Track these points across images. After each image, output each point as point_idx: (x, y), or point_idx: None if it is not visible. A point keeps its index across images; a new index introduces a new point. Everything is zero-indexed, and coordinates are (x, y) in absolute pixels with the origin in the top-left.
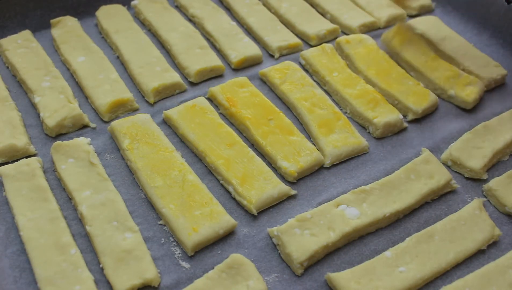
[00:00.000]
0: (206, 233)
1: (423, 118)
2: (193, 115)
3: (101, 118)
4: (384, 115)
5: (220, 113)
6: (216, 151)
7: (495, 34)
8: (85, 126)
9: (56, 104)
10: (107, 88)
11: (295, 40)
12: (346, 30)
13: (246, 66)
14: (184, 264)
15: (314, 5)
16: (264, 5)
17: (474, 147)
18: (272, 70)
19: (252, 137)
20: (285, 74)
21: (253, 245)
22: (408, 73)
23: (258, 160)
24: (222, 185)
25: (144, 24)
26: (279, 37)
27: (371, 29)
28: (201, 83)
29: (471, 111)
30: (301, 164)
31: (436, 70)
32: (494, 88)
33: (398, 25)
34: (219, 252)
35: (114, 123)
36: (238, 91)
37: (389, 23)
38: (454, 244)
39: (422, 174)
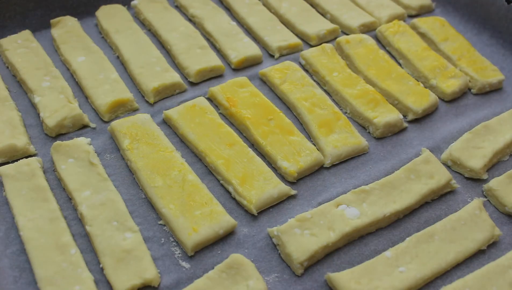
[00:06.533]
0: (206, 233)
1: (423, 118)
2: (193, 115)
3: (101, 118)
4: (384, 115)
5: (220, 113)
6: (216, 151)
7: (495, 34)
8: (85, 126)
9: (56, 104)
10: (107, 88)
11: (295, 40)
12: (346, 30)
13: (246, 66)
14: (184, 264)
15: (314, 5)
16: (264, 5)
17: (474, 147)
18: (272, 70)
19: (252, 137)
20: (285, 74)
21: (253, 245)
22: (397, 61)
23: (258, 160)
24: (222, 185)
25: (144, 24)
26: (279, 37)
27: (371, 29)
28: (201, 83)
29: (471, 111)
30: (301, 164)
31: (425, 60)
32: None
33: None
34: (219, 252)
35: (114, 123)
36: (238, 91)
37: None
38: (454, 244)
39: (422, 174)
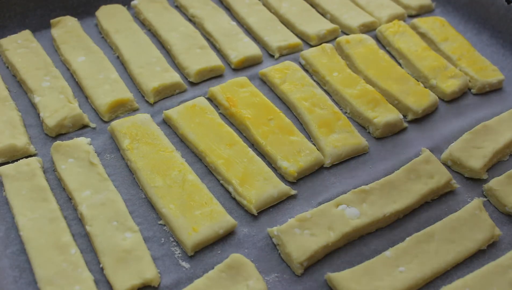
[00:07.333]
0: (206, 233)
1: (423, 118)
2: (193, 115)
3: (101, 118)
4: (384, 115)
5: (220, 113)
6: (216, 151)
7: (495, 34)
8: (85, 126)
9: (56, 104)
10: (107, 88)
11: (295, 40)
12: (346, 30)
13: (246, 66)
14: (184, 264)
15: (314, 5)
16: (264, 5)
17: (474, 147)
18: (272, 70)
19: (252, 137)
20: (285, 74)
21: (253, 245)
22: (397, 61)
23: (258, 160)
24: (222, 185)
25: (144, 24)
26: (279, 37)
27: (371, 29)
28: (201, 83)
29: (471, 111)
30: (301, 164)
31: (424, 60)
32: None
33: None
34: (219, 252)
35: (114, 123)
36: (238, 91)
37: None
38: (454, 244)
39: (422, 174)
